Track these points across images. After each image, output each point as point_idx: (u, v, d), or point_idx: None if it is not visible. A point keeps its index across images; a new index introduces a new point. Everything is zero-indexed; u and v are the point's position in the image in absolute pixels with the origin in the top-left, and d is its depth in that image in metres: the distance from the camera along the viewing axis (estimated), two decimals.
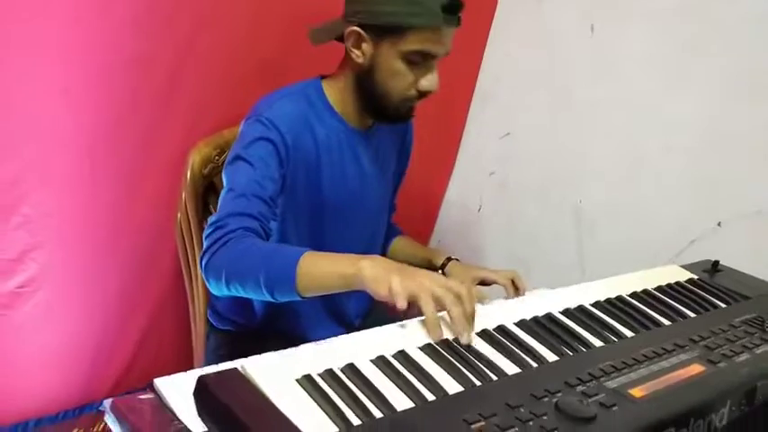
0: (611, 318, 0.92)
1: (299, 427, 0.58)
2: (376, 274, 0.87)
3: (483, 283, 1.25)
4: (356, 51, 1.13)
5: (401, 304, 0.81)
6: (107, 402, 0.89)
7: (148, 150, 1.30)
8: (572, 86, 1.60)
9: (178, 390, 0.83)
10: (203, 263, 1.01)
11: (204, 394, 0.65)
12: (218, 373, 0.67)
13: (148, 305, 1.43)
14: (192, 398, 0.72)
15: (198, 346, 1.38)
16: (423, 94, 1.14)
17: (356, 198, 1.25)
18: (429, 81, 1.12)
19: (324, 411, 0.62)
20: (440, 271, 1.33)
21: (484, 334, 0.81)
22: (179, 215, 1.31)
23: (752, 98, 1.31)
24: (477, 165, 1.83)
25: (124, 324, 1.41)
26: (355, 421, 0.61)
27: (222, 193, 1.09)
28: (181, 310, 1.42)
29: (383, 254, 1.42)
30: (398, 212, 1.46)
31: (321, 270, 0.93)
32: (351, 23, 1.12)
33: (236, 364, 0.71)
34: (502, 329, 0.83)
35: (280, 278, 0.93)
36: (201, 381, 0.66)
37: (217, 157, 1.31)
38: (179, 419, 0.80)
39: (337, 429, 0.60)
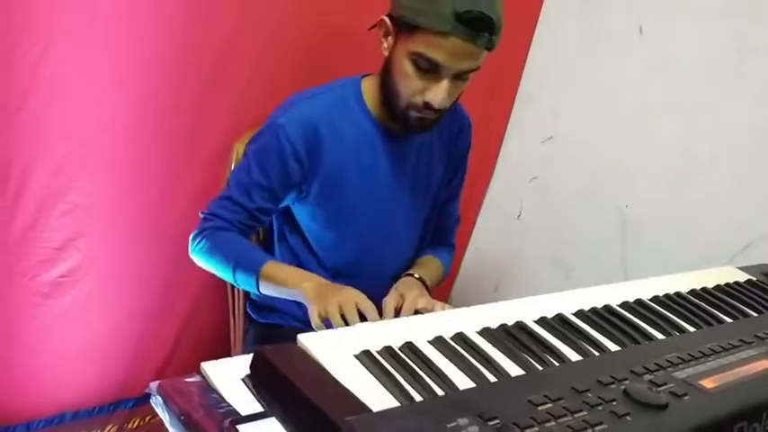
0: (672, 312, 0.88)
1: (360, 398, 0.56)
2: (310, 293, 1.02)
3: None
4: (384, 42, 1.09)
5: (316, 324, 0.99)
6: (153, 385, 0.87)
7: (194, 142, 1.30)
8: (619, 88, 1.57)
9: (224, 373, 0.82)
10: (191, 240, 1.16)
11: (261, 367, 0.64)
12: (276, 346, 0.65)
13: (186, 300, 1.42)
14: (248, 372, 0.71)
15: (236, 342, 1.37)
16: (429, 107, 1.05)
17: (387, 206, 1.21)
18: (433, 94, 1.03)
19: (384, 386, 0.60)
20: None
21: (542, 322, 0.78)
22: None
23: None
24: (518, 169, 1.80)
25: (163, 319, 1.41)
26: (417, 397, 0.59)
27: (228, 176, 1.20)
28: (219, 305, 1.41)
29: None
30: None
31: (276, 279, 1.07)
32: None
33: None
34: (561, 319, 0.80)
35: (245, 279, 1.09)
36: (259, 354, 0.64)
37: None
38: (226, 402, 0.78)
39: (399, 404, 0.57)
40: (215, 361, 0.86)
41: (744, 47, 1.37)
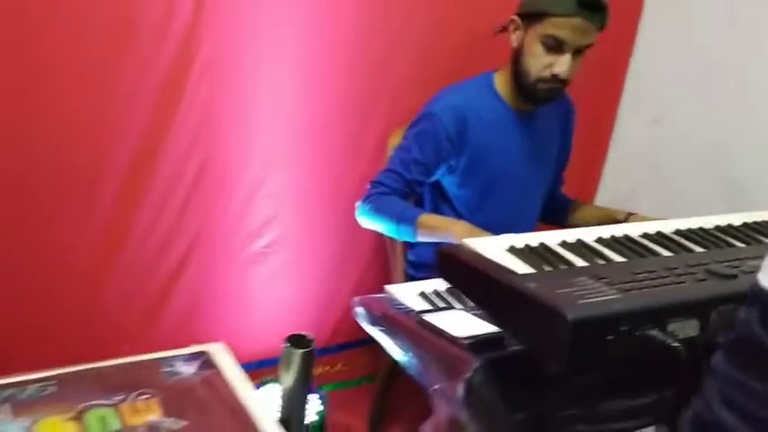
0: (755, 231, 1.09)
1: (512, 268, 0.85)
2: (460, 233, 1.25)
3: None
4: (513, 36, 1.42)
5: None
6: (356, 299, 1.23)
7: (359, 138, 1.66)
8: (720, 69, 1.75)
9: (402, 291, 1.14)
10: (358, 205, 1.46)
11: (444, 257, 0.93)
12: (449, 245, 0.94)
13: (357, 266, 1.77)
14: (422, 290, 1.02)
15: None
16: (557, 79, 1.37)
17: (519, 171, 1.53)
18: (559, 66, 1.36)
19: (526, 263, 0.88)
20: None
21: (645, 235, 1.02)
22: None
23: None
24: (629, 151, 2.01)
25: (339, 281, 1.76)
26: (547, 268, 0.87)
27: (391, 154, 1.50)
28: (382, 268, 1.74)
29: (563, 222, 1.68)
30: None
31: (430, 225, 1.35)
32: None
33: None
34: (659, 233, 1.04)
35: (406, 229, 1.38)
36: (440, 251, 0.93)
37: None
38: (408, 306, 1.11)
39: (535, 270, 0.85)
40: (394, 285, 1.20)
41: None
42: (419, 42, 1.66)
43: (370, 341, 1.74)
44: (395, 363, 1.61)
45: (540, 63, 1.37)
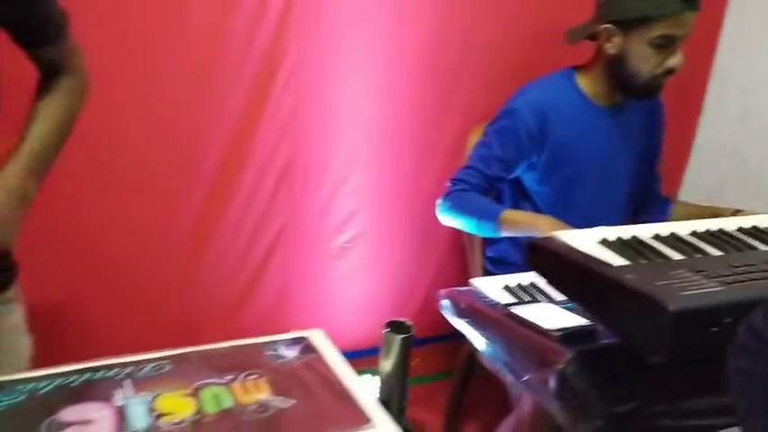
0: None
1: (605, 259, 0.85)
2: (545, 228, 1.24)
3: None
4: (608, 45, 1.41)
5: None
6: (442, 291, 1.24)
7: (436, 138, 1.69)
8: None
9: (486, 284, 1.16)
10: (439, 203, 1.48)
11: (537, 249, 0.94)
12: (545, 237, 0.95)
13: (434, 262, 1.79)
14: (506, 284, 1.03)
15: None
16: (670, 72, 1.39)
17: (602, 164, 1.52)
18: (675, 60, 1.37)
19: (620, 255, 0.88)
20: None
21: (741, 229, 1.01)
22: None
23: None
24: (715, 145, 1.95)
25: (416, 277, 1.79)
26: (642, 261, 0.86)
27: (470, 150, 1.51)
28: (460, 265, 1.76)
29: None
30: None
31: (513, 221, 1.36)
32: (602, 22, 1.40)
33: None
34: (755, 227, 1.02)
35: (487, 225, 1.40)
36: (533, 243, 0.95)
37: None
38: (493, 299, 1.12)
39: (629, 262, 0.85)
40: (479, 278, 1.22)
41: None
42: (491, 43, 1.67)
43: (448, 337, 1.78)
44: (472, 358, 1.64)
45: (653, 63, 1.38)
